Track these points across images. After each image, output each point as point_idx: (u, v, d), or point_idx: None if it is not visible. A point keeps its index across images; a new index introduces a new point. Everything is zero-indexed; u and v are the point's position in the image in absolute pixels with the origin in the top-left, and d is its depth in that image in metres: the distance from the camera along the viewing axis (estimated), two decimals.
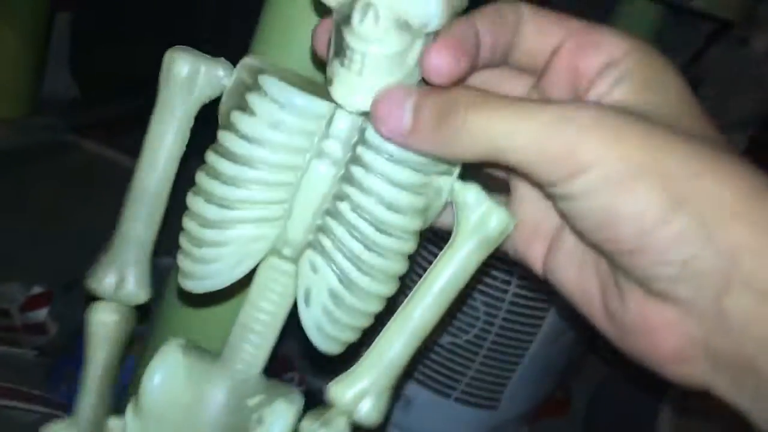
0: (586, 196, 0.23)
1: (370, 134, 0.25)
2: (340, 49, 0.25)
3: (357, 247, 0.26)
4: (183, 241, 0.27)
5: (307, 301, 0.26)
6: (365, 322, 0.27)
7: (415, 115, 0.25)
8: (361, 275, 0.26)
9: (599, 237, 0.24)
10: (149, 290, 0.30)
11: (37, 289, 0.64)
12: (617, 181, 0.22)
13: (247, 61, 0.27)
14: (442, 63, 0.24)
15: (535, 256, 0.29)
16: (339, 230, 0.26)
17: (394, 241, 0.26)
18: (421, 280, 0.27)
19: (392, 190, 0.25)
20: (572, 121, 0.23)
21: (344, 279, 0.26)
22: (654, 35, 0.63)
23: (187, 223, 0.27)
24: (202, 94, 0.28)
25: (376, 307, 0.27)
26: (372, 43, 0.24)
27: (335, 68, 0.25)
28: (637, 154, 0.22)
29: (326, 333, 0.27)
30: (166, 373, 0.28)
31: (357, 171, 0.26)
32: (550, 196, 0.25)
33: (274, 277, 0.27)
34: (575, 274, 0.27)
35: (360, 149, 0.26)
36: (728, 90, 0.81)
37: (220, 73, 0.27)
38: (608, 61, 0.25)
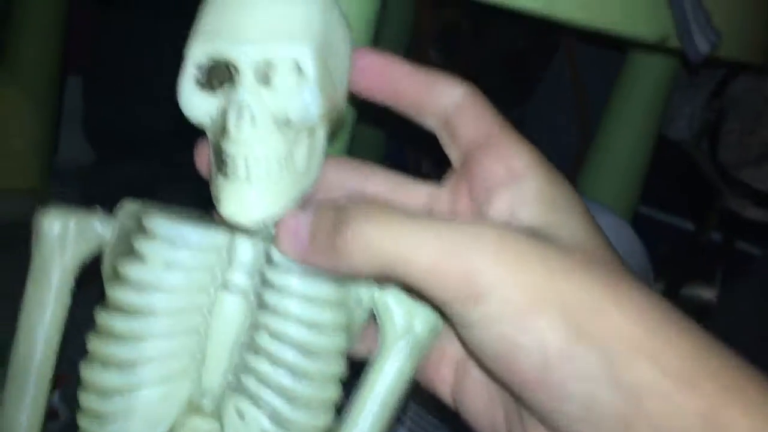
0: (486, 323, 0.22)
1: (277, 254, 0.23)
2: (221, 162, 0.23)
3: (284, 379, 0.23)
4: (81, 418, 0.24)
5: None
6: None
7: (311, 230, 0.23)
8: (293, 410, 0.23)
9: (499, 368, 0.22)
10: None
11: None
12: (518, 311, 0.21)
13: (126, 206, 0.25)
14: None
15: (442, 381, 0.27)
16: (261, 364, 0.23)
17: (321, 365, 0.23)
18: (355, 396, 0.24)
19: (311, 308, 0.23)
20: (473, 243, 0.21)
21: (276, 418, 0.23)
22: (672, 77, 0.61)
23: (84, 397, 0.24)
24: (78, 252, 0.25)
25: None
26: (254, 146, 0.23)
27: (219, 183, 0.23)
28: (539, 282, 0.21)
29: None
30: None
31: (270, 295, 0.23)
32: (451, 322, 0.23)
33: None
34: (483, 405, 0.26)
35: (269, 273, 0.23)
36: (753, 122, 0.79)
37: (96, 226, 0.25)
38: (507, 176, 0.25)
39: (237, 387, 0.24)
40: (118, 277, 0.24)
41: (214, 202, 0.23)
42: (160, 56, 1.07)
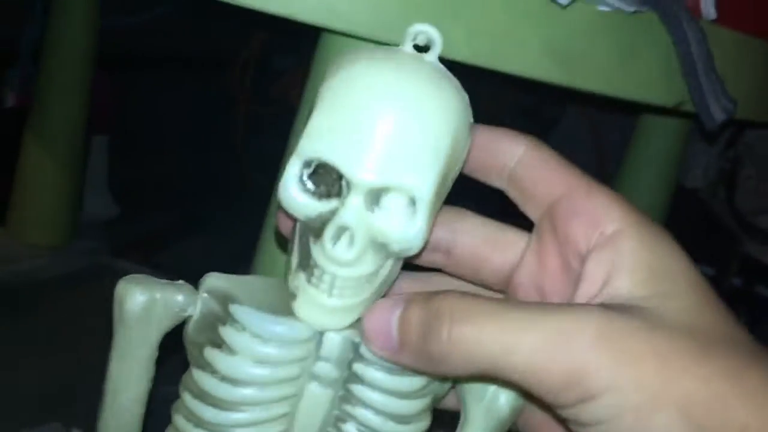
0: (599, 424, 0.20)
1: (365, 349, 0.23)
2: (307, 264, 0.23)
3: None
4: None
5: None
6: None
7: (400, 331, 0.23)
8: None
9: None
10: None
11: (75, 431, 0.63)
12: (633, 411, 0.20)
13: (211, 284, 0.24)
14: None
15: None
16: None
17: None
18: None
19: (400, 403, 0.24)
20: (575, 336, 0.20)
21: None
22: (687, 132, 0.62)
23: None
24: (161, 327, 0.25)
25: None
26: (344, 267, 0.22)
27: (301, 282, 0.23)
28: (654, 379, 0.20)
29: None
30: None
31: (357, 389, 0.24)
32: (559, 416, 0.22)
33: None
34: None
35: (357, 366, 0.24)
36: None
37: (180, 299, 0.24)
38: (599, 236, 0.23)
39: None
40: (205, 363, 0.24)
41: (291, 293, 0.23)
42: (179, 114, 1.10)
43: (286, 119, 0.43)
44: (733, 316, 0.22)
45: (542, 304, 0.23)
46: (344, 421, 0.24)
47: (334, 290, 0.23)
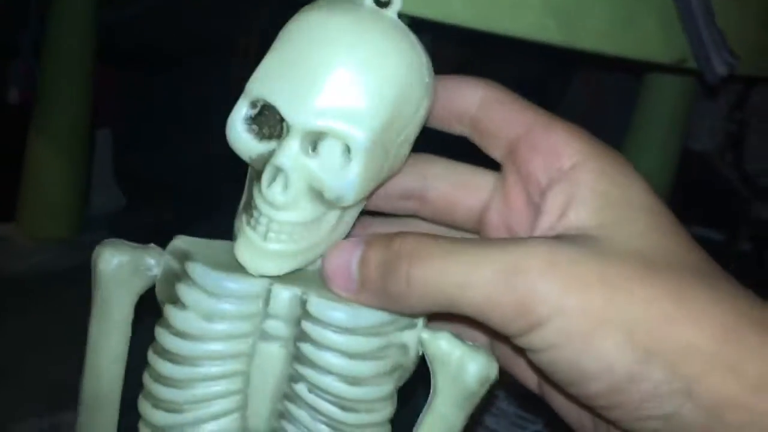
0: (548, 350, 0.21)
1: (313, 307, 0.23)
2: (249, 207, 0.23)
3: (324, 429, 0.23)
4: None
5: None
6: None
7: (360, 272, 0.23)
8: None
9: (570, 390, 0.22)
10: None
11: None
12: (579, 335, 0.20)
13: (174, 244, 0.25)
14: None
15: (528, 378, 0.27)
16: (301, 415, 0.24)
17: (363, 416, 0.23)
18: None
19: (349, 363, 0.23)
20: (523, 267, 0.21)
21: None
22: (691, 93, 0.61)
23: (141, 428, 0.25)
24: (132, 287, 0.25)
25: None
26: (280, 210, 0.23)
27: (242, 224, 0.24)
28: (599, 302, 0.20)
29: None
30: None
31: (307, 348, 0.23)
32: (516, 346, 0.23)
33: None
34: (569, 404, 0.25)
35: (305, 324, 0.23)
36: None
37: (149, 261, 0.25)
38: (558, 170, 0.23)
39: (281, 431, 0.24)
40: (163, 320, 0.24)
41: (234, 235, 0.24)
42: (183, 106, 1.10)
43: None
44: (690, 240, 0.22)
45: (495, 240, 0.24)
46: (296, 381, 0.24)
47: (270, 233, 0.23)
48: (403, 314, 0.23)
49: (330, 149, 0.22)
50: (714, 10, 0.39)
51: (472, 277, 0.21)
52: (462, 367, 0.23)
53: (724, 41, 0.39)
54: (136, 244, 0.26)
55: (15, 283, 0.84)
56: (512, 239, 0.24)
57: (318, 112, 0.22)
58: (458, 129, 0.26)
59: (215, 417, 0.24)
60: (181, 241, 0.25)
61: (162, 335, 0.24)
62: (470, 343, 0.24)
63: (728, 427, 0.20)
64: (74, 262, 0.92)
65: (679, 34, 0.40)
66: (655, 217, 0.22)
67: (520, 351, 0.23)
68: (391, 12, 0.23)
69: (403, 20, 0.24)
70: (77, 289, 0.99)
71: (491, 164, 0.27)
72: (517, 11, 0.37)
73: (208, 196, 1.12)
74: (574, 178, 0.23)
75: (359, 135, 0.22)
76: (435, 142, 0.27)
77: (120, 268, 0.25)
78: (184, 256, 0.24)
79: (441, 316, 0.24)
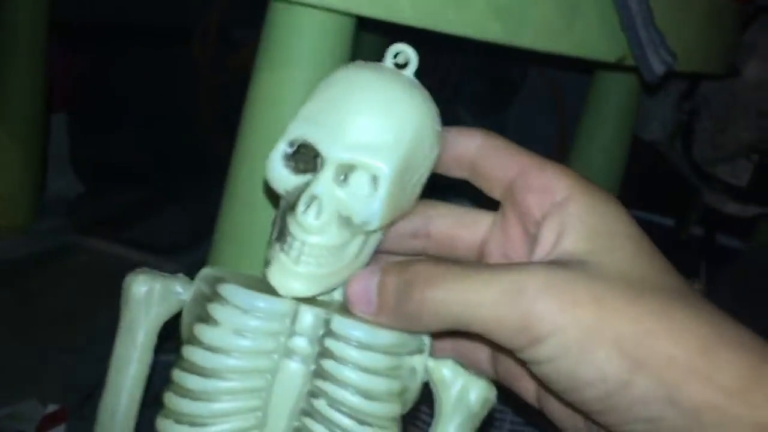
0: (549, 363, 0.24)
1: (336, 325, 0.26)
2: (282, 235, 0.26)
3: None
4: None
5: None
6: None
7: (379, 295, 0.26)
8: None
9: (567, 397, 0.25)
10: None
11: (52, 407, 0.63)
12: (575, 348, 0.23)
13: (205, 272, 0.28)
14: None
15: (526, 388, 0.29)
16: (319, 429, 0.25)
17: (374, 431, 0.26)
18: None
19: (366, 378, 0.25)
20: (524, 289, 0.23)
21: None
22: (640, 86, 0.62)
23: None
24: (160, 312, 0.28)
25: None
26: (312, 234, 0.25)
27: (275, 252, 0.26)
28: (589, 318, 0.23)
29: None
30: None
31: (328, 364, 0.26)
32: (520, 360, 0.25)
33: None
34: (563, 413, 0.28)
35: (328, 341, 0.26)
36: (725, 120, 0.81)
37: (178, 288, 0.28)
38: (551, 205, 0.26)
39: None
40: (193, 338, 0.26)
41: (265, 262, 0.26)
42: (141, 89, 1.09)
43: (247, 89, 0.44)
44: (669, 265, 0.25)
45: (499, 265, 0.26)
46: (316, 396, 0.26)
47: (302, 257, 0.26)
48: (417, 332, 0.26)
49: (359, 179, 0.26)
50: (652, 10, 0.40)
51: (478, 297, 0.24)
52: (465, 393, 0.26)
53: (662, 40, 0.40)
54: (166, 274, 0.28)
55: None
56: (514, 263, 0.26)
57: (348, 146, 0.25)
58: (459, 174, 0.29)
59: (241, 429, 0.26)
60: (211, 269, 0.28)
61: (190, 352, 0.26)
62: (471, 370, 0.27)
63: (706, 428, 0.22)
64: (31, 249, 0.91)
65: (620, 33, 0.41)
66: (638, 244, 0.25)
67: (522, 363, 0.25)
68: (409, 72, 0.27)
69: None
70: (35, 276, 0.98)
71: (489, 204, 0.30)
72: (461, 11, 0.38)
73: (166, 182, 1.12)
74: (565, 211, 0.26)
75: (383, 166, 0.26)
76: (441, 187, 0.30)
77: (150, 294, 0.28)
78: (215, 281, 0.27)
79: (449, 333, 0.26)
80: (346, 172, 0.26)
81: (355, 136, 0.25)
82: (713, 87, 0.81)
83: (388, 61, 0.27)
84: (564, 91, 0.96)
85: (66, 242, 0.94)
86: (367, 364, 0.25)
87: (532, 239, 0.27)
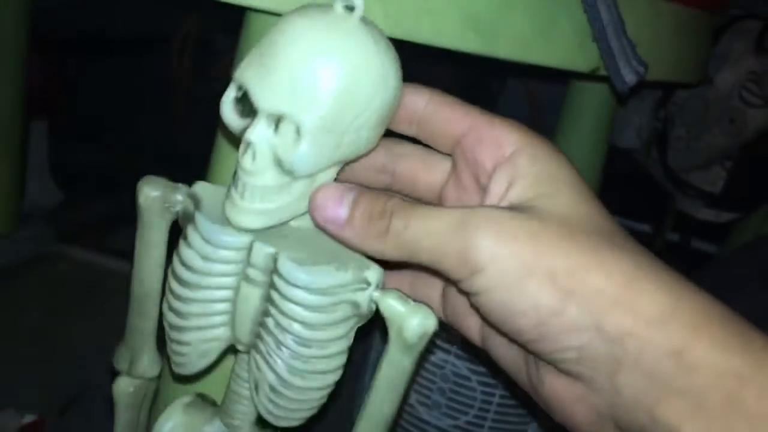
0: (486, 293, 0.26)
1: (281, 265, 0.28)
2: (235, 173, 0.29)
3: (285, 355, 0.29)
4: (166, 339, 0.32)
5: (256, 390, 0.30)
6: (315, 404, 0.30)
7: (351, 212, 0.28)
8: (293, 376, 0.29)
9: (503, 327, 0.27)
10: (158, 365, 0.36)
11: (29, 417, 0.63)
12: (512, 279, 0.25)
13: (193, 190, 0.31)
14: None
15: (470, 328, 0.31)
16: (270, 340, 0.29)
17: (317, 350, 0.29)
18: (372, 383, 0.30)
19: (304, 313, 0.28)
20: (467, 223, 0.25)
21: (280, 378, 0.29)
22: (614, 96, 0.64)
23: (164, 321, 0.32)
24: (165, 215, 0.32)
25: (319, 394, 0.30)
26: (251, 176, 0.28)
27: (231, 190, 0.29)
28: (527, 253, 0.25)
29: (277, 415, 0.30)
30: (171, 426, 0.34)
31: (275, 295, 0.29)
32: (461, 291, 0.27)
33: (241, 363, 0.32)
34: (504, 349, 0.30)
35: (275, 278, 0.29)
36: (698, 127, 0.82)
37: (176, 198, 0.31)
38: (501, 157, 0.28)
39: (256, 347, 0.30)
40: (179, 246, 0.30)
41: (227, 199, 0.29)
42: (119, 96, 1.08)
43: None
44: (605, 210, 0.27)
45: (452, 207, 0.28)
46: (267, 315, 0.29)
47: (245, 193, 0.28)
48: (372, 254, 0.28)
49: (286, 128, 0.27)
50: (623, 21, 0.41)
51: (427, 230, 0.26)
52: (405, 322, 0.28)
53: (634, 51, 0.41)
54: (168, 182, 0.31)
55: None
56: (465, 206, 0.28)
57: (275, 96, 0.27)
58: (407, 130, 0.30)
59: (208, 327, 0.31)
60: (199, 188, 0.31)
61: (175, 259, 0.30)
62: (413, 302, 0.29)
63: (629, 354, 0.24)
64: (10, 257, 0.90)
65: (591, 44, 0.42)
66: (578, 191, 0.27)
67: (466, 295, 0.27)
68: (356, 15, 0.27)
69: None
70: (14, 285, 0.97)
71: None
72: (436, 22, 0.38)
73: None
74: (513, 162, 0.27)
75: (305, 117, 0.27)
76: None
77: (154, 201, 0.31)
78: (197, 203, 0.30)
79: (409, 266, 0.29)
80: (276, 120, 0.27)
81: (281, 86, 0.27)
82: (687, 95, 0.83)
83: (338, 4, 0.27)
84: (541, 100, 0.97)
85: (46, 251, 0.93)
86: (306, 302, 0.28)
87: (484, 189, 0.29)
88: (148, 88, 1.06)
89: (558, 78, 0.63)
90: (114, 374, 0.36)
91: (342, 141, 0.28)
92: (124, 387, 0.36)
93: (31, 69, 0.90)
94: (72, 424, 0.62)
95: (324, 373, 0.30)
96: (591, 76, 0.46)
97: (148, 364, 0.36)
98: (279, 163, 0.28)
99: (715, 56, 0.78)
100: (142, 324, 0.35)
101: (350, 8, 0.27)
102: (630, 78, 0.40)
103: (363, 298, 0.29)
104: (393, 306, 0.28)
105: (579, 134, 0.66)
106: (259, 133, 0.27)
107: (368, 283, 0.29)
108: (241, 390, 0.32)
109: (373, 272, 0.28)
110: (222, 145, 0.43)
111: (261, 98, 0.27)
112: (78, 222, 1.01)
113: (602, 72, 0.43)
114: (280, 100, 0.27)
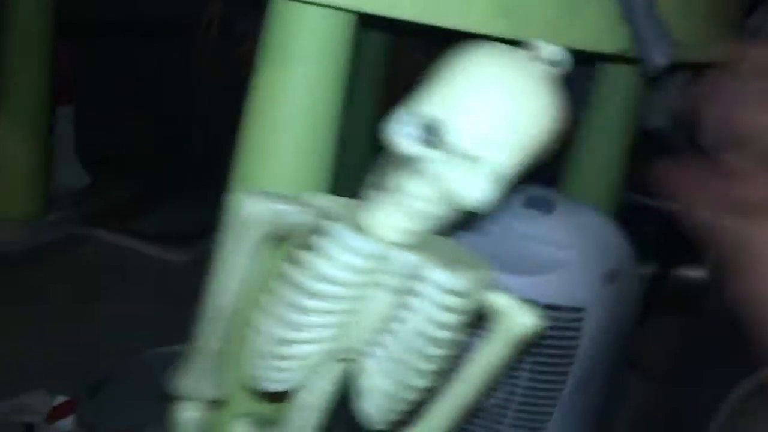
0: None
1: (429, 272, 0.30)
2: (393, 187, 0.30)
3: (413, 358, 0.30)
4: (254, 356, 0.32)
5: (359, 397, 0.31)
6: (414, 402, 0.32)
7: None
8: (415, 378, 0.31)
9: None
10: (221, 386, 0.36)
11: (60, 399, 0.64)
12: None
13: (313, 201, 0.32)
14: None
15: None
16: (396, 346, 0.30)
17: (445, 350, 0.31)
18: (464, 369, 0.32)
19: (450, 315, 0.30)
20: None
21: (398, 382, 0.30)
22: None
23: (257, 341, 0.32)
24: (266, 227, 0.32)
25: (422, 394, 0.32)
26: (413, 199, 0.29)
27: (382, 199, 0.30)
28: None
29: (379, 419, 0.32)
30: None
31: (413, 301, 0.30)
32: None
33: (328, 376, 0.33)
34: None
35: (416, 283, 0.30)
36: None
37: (289, 209, 0.32)
38: None
39: (373, 355, 0.31)
40: (299, 261, 0.31)
41: (369, 212, 0.31)
42: (144, 80, 1.09)
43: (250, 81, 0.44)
44: None
45: None
46: (401, 322, 0.31)
47: (401, 212, 0.30)
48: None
49: (472, 168, 0.29)
50: (655, 2, 0.40)
51: None
52: (516, 318, 0.31)
53: (664, 33, 0.40)
54: (270, 194, 0.32)
55: None
56: None
57: (469, 137, 0.28)
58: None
59: (320, 339, 0.31)
60: (320, 200, 0.32)
61: (296, 272, 0.31)
62: (520, 302, 0.31)
63: None
64: (39, 241, 0.91)
65: (622, 25, 0.41)
66: None
67: None
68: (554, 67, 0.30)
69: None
70: (43, 267, 0.99)
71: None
72: (464, 7, 0.38)
73: (172, 173, 1.12)
74: None
75: (499, 162, 0.28)
76: None
77: (258, 214, 0.32)
78: (322, 214, 0.31)
79: None
80: (463, 158, 0.28)
81: (477, 128, 0.28)
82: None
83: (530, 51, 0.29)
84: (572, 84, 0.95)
85: (73, 233, 0.94)
86: (454, 305, 0.30)
87: None
88: (173, 72, 1.06)
89: (585, 62, 0.62)
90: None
91: (515, 176, 0.30)
92: (191, 413, 0.37)
93: (57, 55, 0.91)
94: (101, 405, 0.63)
95: (435, 374, 0.31)
96: (620, 58, 0.45)
97: (214, 384, 0.36)
98: (449, 195, 0.29)
99: (746, 32, 0.76)
100: (213, 344, 0.35)
101: (555, 62, 0.30)
102: (660, 60, 0.39)
103: (485, 296, 0.31)
104: (506, 304, 0.31)
105: (608, 115, 0.65)
106: (442, 164, 0.29)
107: (485, 283, 0.31)
108: (311, 400, 0.33)
109: (487, 271, 0.30)
110: (249, 137, 0.43)
111: (453, 135, 0.28)
112: (105, 205, 1.02)
113: (631, 54, 0.42)
114: (475, 141, 0.28)
